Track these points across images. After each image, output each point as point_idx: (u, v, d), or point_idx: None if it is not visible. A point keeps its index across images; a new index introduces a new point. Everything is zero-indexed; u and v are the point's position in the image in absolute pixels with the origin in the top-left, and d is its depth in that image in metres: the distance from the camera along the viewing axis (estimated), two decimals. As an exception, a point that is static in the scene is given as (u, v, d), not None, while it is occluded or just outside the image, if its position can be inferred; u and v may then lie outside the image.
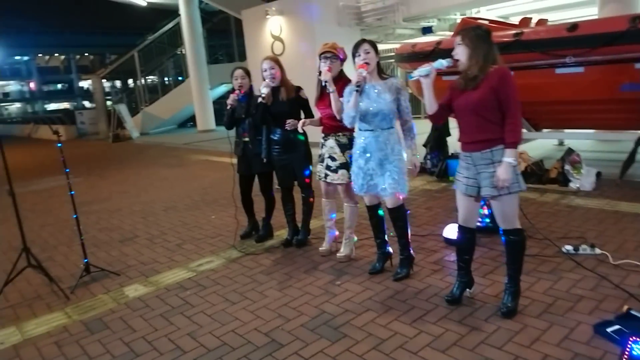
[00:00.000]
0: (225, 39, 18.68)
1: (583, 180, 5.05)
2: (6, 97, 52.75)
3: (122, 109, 15.99)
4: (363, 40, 3.15)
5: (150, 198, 6.74)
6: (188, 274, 3.83)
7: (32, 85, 52.79)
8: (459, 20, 9.30)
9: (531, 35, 5.59)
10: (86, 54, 54.24)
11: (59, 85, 55.90)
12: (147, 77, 18.13)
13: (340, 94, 3.38)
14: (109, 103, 17.80)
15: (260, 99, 3.80)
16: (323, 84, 3.37)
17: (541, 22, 7.19)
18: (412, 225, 4.46)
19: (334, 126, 3.56)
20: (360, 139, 3.26)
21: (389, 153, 3.17)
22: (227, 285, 3.53)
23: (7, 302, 3.59)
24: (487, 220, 4.06)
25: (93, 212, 6.23)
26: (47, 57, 54.36)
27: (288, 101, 3.88)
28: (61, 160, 3.94)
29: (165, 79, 18.31)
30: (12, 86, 53.78)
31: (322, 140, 3.69)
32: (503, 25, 6.97)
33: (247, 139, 4.16)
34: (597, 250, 3.49)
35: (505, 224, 2.76)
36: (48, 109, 48.89)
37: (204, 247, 4.45)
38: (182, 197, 6.62)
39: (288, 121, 3.76)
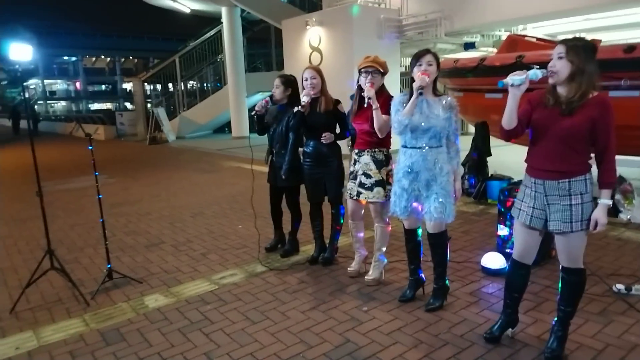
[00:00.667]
0: (265, 48, 18.85)
1: (635, 211, 4.69)
2: (53, 95, 54.89)
3: (161, 112, 16.25)
4: (427, 51, 2.92)
5: (180, 203, 6.71)
6: (210, 286, 3.71)
7: (77, 84, 54.84)
8: (503, 37, 9.02)
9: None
10: (131, 57, 56.06)
11: (103, 86, 57.90)
12: (186, 82, 18.41)
13: (383, 110, 3.22)
14: (148, 106, 18.13)
15: (300, 108, 3.68)
16: (367, 99, 3.19)
17: (594, 42, 6.83)
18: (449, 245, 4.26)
19: (369, 141, 3.39)
20: (405, 157, 3.02)
21: (437, 174, 2.94)
22: (248, 302, 3.38)
23: (27, 304, 3.54)
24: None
25: (123, 214, 6.23)
26: (93, 59, 56.47)
27: (326, 113, 3.74)
28: (92, 163, 3.79)
29: (204, 84, 18.56)
30: (59, 85, 56.03)
31: (355, 157, 3.51)
32: (550, 44, 6.65)
33: (274, 150, 4.06)
34: (653, 292, 3.17)
35: (568, 262, 2.46)
36: (92, 109, 50.61)
37: (228, 258, 4.33)
38: (211, 203, 6.55)
39: (324, 134, 3.64)
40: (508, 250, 3.78)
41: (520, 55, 5.74)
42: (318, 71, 3.76)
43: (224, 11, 15.33)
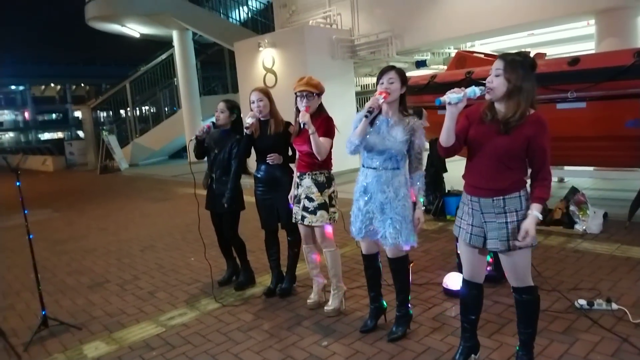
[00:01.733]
0: (219, 71, 18.62)
1: (590, 222, 4.73)
2: (0, 126, 52.50)
3: (112, 139, 15.66)
4: (390, 68, 2.77)
5: (130, 236, 6.34)
6: (157, 329, 3.41)
7: (26, 114, 52.67)
8: (453, 54, 9.17)
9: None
10: (82, 84, 54.45)
11: (54, 115, 55.86)
12: (139, 108, 17.92)
13: (321, 131, 3.12)
14: (101, 133, 17.48)
15: (245, 130, 3.51)
16: (301, 126, 3.08)
17: (539, 56, 7.01)
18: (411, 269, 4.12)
19: (310, 164, 3.25)
20: (362, 177, 2.89)
21: (391, 197, 2.79)
22: (198, 345, 3.11)
23: (-53, 363, 3.15)
24: (490, 267, 3.70)
25: (66, 251, 5.80)
26: (42, 87, 54.48)
27: (276, 135, 3.57)
28: (20, 201, 3.46)
29: (158, 109, 18.10)
30: (7, 115, 53.62)
31: (297, 180, 3.36)
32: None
33: (214, 175, 3.87)
34: (614, 306, 3.13)
35: (516, 281, 2.39)
36: (42, 139, 48.59)
37: (178, 295, 4.04)
38: (162, 235, 6.22)
39: (270, 155, 3.48)
40: (488, 269, 3.67)
41: (469, 71, 5.79)
42: (265, 93, 3.60)
43: (175, 35, 15.06)
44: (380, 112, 2.80)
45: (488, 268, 3.66)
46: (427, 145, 6.66)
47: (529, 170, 2.33)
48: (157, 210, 8.13)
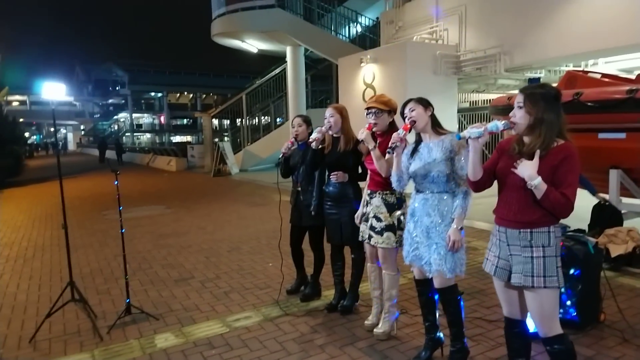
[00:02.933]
0: (328, 85, 19.17)
1: None
2: (139, 127, 59.32)
3: (226, 146, 16.90)
4: (408, 100, 2.86)
5: (223, 236, 6.79)
6: (222, 328, 3.62)
7: (162, 118, 58.93)
8: (568, 72, 8.44)
9: (649, 92, 4.77)
10: (211, 94, 59.50)
11: (185, 120, 61.75)
12: (252, 118, 19.11)
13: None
14: (216, 140, 18.97)
15: (311, 145, 3.61)
16: (360, 141, 3.09)
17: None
18: (481, 305, 3.89)
19: (380, 182, 3.21)
20: (412, 200, 2.90)
21: (437, 222, 2.72)
22: (254, 350, 3.24)
23: (49, 333, 3.65)
24: (574, 311, 3.33)
25: (166, 246, 6.39)
26: (177, 95, 60.57)
27: (345, 152, 3.62)
28: (117, 198, 3.90)
29: (268, 119, 19.16)
30: (145, 119, 60.52)
31: (368, 198, 3.34)
32: (616, 79, 6.12)
33: (299, 189, 3.98)
34: None
35: (542, 328, 2.20)
36: (174, 141, 53.94)
37: (249, 298, 4.24)
38: (251, 238, 6.56)
39: (333, 173, 3.53)
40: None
41: (578, 92, 5.30)
42: (338, 109, 3.66)
43: (288, 50, 15.87)
44: (421, 140, 2.85)
45: (571, 309, 3.33)
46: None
47: None
48: (253, 214, 8.60)
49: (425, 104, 2.82)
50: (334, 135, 3.67)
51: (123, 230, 3.96)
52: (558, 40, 8.17)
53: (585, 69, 8.62)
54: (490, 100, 9.67)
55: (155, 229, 7.55)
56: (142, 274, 5.10)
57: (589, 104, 5.04)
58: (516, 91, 9.97)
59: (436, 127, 2.84)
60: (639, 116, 4.67)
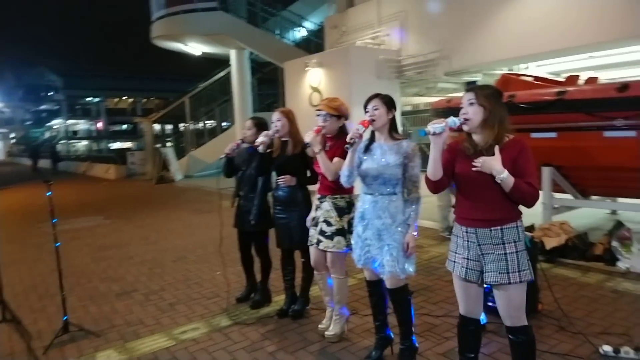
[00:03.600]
0: (274, 89, 19.11)
1: (634, 260, 4.36)
2: (75, 135, 56.48)
3: (169, 151, 16.42)
4: (374, 96, 2.84)
5: (167, 246, 6.57)
6: (168, 342, 3.49)
7: (99, 125, 56.41)
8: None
9: (576, 94, 5.11)
10: (152, 98, 57.61)
11: (124, 126, 59.43)
12: (196, 122, 18.69)
13: (337, 153, 3.11)
14: (158, 146, 18.38)
15: (258, 149, 3.57)
16: (305, 143, 3.08)
17: (591, 80, 6.65)
18: (428, 302, 3.99)
19: (331, 187, 3.21)
20: (361, 203, 2.90)
21: (388, 223, 2.75)
22: (202, 362, 3.15)
23: (-24, 358, 3.38)
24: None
25: (106, 258, 6.10)
26: (116, 100, 58.21)
27: (293, 156, 3.60)
28: (50, 210, 3.68)
29: (213, 124, 18.81)
30: (82, 125, 57.70)
31: (318, 202, 3.33)
32: (547, 82, 6.49)
33: (241, 193, 3.93)
34: (644, 356, 2.85)
35: (510, 320, 2.27)
36: (112, 148, 51.76)
37: (196, 309, 4.12)
38: (197, 246, 6.39)
39: (281, 177, 3.51)
40: (490, 304, 3.49)
41: (512, 94, 5.57)
42: (285, 113, 3.64)
43: (232, 53, 15.67)
44: (374, 139, 2.85)
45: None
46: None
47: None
48: (199, 221, 8.38)
49: (389, 106, 2.80)
50: (282, 139, 3.65)
51: (58, 244, 3.73)
52: (493, 45, 8.57)
53: (519, 72, 9.10)
54: (431, 103, 9.98)
55: (94, 241, 7.20)
56: (80, 289, 4.84)
57: (523, 105, 5.31)
58: (455, 94, 10.38)
59: (393, 131, 2.83)
60: (570, 117, 4.97)
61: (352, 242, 2.93)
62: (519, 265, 2.20)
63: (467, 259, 2.31)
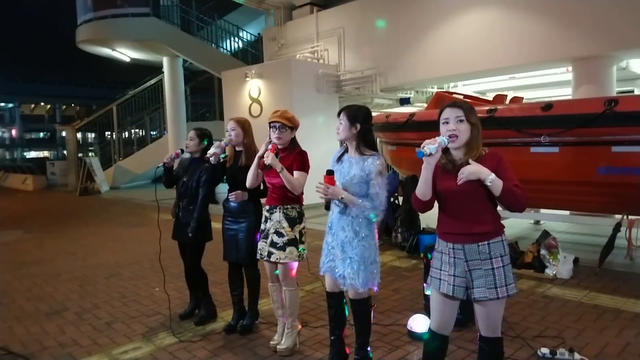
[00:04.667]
0: (209, 98, 18.76)
1: (560, 267, 4.71)
2: (-16, 142, 51.92)
3: (94, 161, 15.53)
4: (341, 109, 2.86)
5: (98, 262, 6.17)
6: (108, 363, 3.27)
7: (13, 132, 52.22)
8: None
9: (505, 112, 5.46)
10: (72, 105, 54.26)
11: (42, 134, 55.43)
12: (124, 131, 17.86)
13: (296, 165, 3.12)
14: (81, 155, 17.32)
15: (210, 159, 3.49)
16: (266, 165, 3.03)
17: (516, 99, 7.16)
18: (375, 311, 4.00)
19: (282, 197, 3.19)
20: (331, 211, 2.90)
21: (350, 237, 2.76)
22: (148, 383, 2.98)
23: None
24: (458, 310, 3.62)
25: (30, 275, 5.62)
26: (32, 106, 54.21)
27: (245, 167, 3.52)
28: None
29: (143, 133, 18.07)
30: (-7, 132, 53.15)
31: (267, 214, 3.29)
32: (477, 100, 6.90)
33: (181, 204, 3.84)
34: (577, 356, 3.07)
35: (487, 331, 2.31)
36: (28, 157, 48.00)
37: (136, 327, 3.89)
38: (131, 262, 6.07)
39: (233, 193, 3.45)
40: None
41: (447, 111, 5.85)
42: (240, 123, 3.58)
43: (165, 61, 15.20)
44: (347, 150, 2.88)
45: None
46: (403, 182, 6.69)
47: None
48: (131, 235, 7.97)
49: (352, 119, 2.78)
50: (237, 149, 3.59)
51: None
52: (425, 64, 9.01)
53: (450, 90, 9.62)
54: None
55: (14, 258, 6.62)
56: (3, 310, 4.42)
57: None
58: (391, 109, 10.74)
59: (361, 145, 2.79)
60: (500, 133, 5.30)
61: (322, 248, 2.93)
62: (506, 279, 2.22)
63: (454, 275, 2.29)
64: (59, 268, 5.93)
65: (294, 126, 3.23)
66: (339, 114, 2.85)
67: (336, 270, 2.80)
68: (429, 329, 2.46)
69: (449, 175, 2.28)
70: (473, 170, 2.13)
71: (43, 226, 9.21)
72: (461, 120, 2.23)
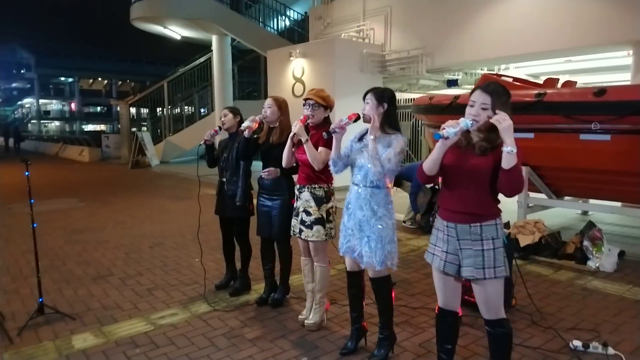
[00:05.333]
0: (256, 77, 18.95)
1: (604, 259, 4.52)
2: (47, 115, 54.85)
3: (145, 136, 16.14)
4: (370, 90, 2.85)
5: (143, 231, 6.48)
6: (146, 327, 3.47)
7: (73, 105, 54.90)
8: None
9: (555, 97, 5.23)
10: (128, 81, 56.25)
11: (99, 108, 57.99)
12: (174, 107, 18.39)
13: (322, 142, 3.13)
14: (134, 129, 18.04)
15: (244, 133, 3.58)
16: (292, 134, 3.09)
17: (569, 83, 6.82)
18: (405, 294, 4.06)
19: (309, 176, 3.23)
20: (349, 192, 2.92)
21: (368, 216, 2.78)
22: (181, 347, 3.14)
23: (-54, 339, 3.29)
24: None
25: (81, 241, 5.99)
26: (90, 81, 56.66)
27: (277, 145, 3.59)
28: (27, 190, 3.60)
29: (192, 110, 18.55)
30: (54, 105, 56.05)
31: (297, 192, 3.35)
32: (526, 84, 6.63)
33: (224, 179, 3.93)
34: (611, 351, 2.97)
35: (488, 313, 2.33)
36: (86, 130, 50.44)
37: (174, 295, 4.09)
38: (174, 233, 6.33)
39: (265, 170, 3.51)
40: (465, 297, 3.57)
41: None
42: (277, 101, 3.64)
43: (214, 39, 15.44)
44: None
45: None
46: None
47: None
48: (176, 208, 8.29)
49: (379, 99, 2.77)
50: (271, 126, 3.65)
51: (35, 225, 3.64)
52: (474, 45, 8.70)
53: (499, 73, 9.27)
54: (413, 99, 10.07)
55: (68, 224, 7.05)
56: (54, 272, 4.75)
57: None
58: (437, 91, 10.50)
59: (385, 125, 2.79)
60: (548, 119, 5.10)
61: (339, 230, 2.96)
62: (495, 262, 2.24)
63: (446, 252, 2.34)
64: (108, 236, 6.28)
65: (327, 105, 3.25)
66: (364, 96, 2.84)
67: (354, 250, 2.83)
68: (438, 306, 2.51)
69: (457, 150, 2.28)
70: (508, 129, 2.05)
71: (96, 196, 9.73)
72: (485, 109, 2.19)
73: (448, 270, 2.35)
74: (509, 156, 2.08)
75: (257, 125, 3.56)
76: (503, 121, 2.07)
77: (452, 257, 2.33)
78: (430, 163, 2.30)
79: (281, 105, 3.65)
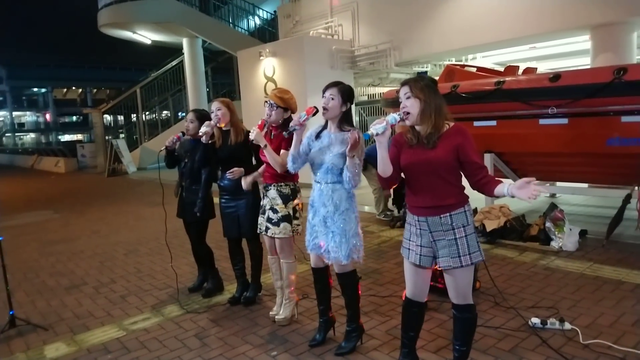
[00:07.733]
0: (229, 78, 18.89)
1: (565, 239, 4.68)
2: (21, 127, 53.79)
3: (120, 143, 16.00)
4: (334, 84, 2.83)
5: (119, 239, 6.47)
6: (118, 332, 3.50)
7: (47, 116, 53.88)
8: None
9: (513, 84, 5.38)
10: (102, 88, 55.38)
11: (74, 117, 57.00)
12: (148, 113, 18.23)
13: (284, 145, 3.17)
14: (108, 137, 17.84)
15: (201, 139, 3.62)
16: (251, 138, 3.12)
17: (528, 70, 7.00)
18: (375, 284, 4.16)
19: (275, 175, 3.28)
20: (312, 190, 2.98)
21: (331, 211, 2.85)
22: (153, 350, 3.19)
23: None
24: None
25: (55, 253, 5.96)
26: (64, 90, 55.66)
27: (237, 145, 3.65)
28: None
29: (167, 114, 18.42)
30: (28, 117, 54.96)
31: (264, 191, 3.41)
32: (488, 72, 6.78)
33: (183, 184, 4.01)
34: (567, 325, 3.11)
35: (457, 299, 2.41)
36: (62, 140, 49.57)
37: (147, 300, 4.13)
38: (149, 239, 6.34)
39: (231, 170, 3.56)
40: (432, 283, 3.68)
41: (455, 85, 5.80)
42: (224, 103, 3.70)
43: (185, 42, 15.39)
44: (325, 127, 2.89)
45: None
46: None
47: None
48: (152, 214, 8.26)
49: (345, 98, 2.80)
50: (224, 128, 3.69)
51: (1, 238, 3.63)
52: (440, 36, 8.83)
53: (463, 63, 9.42)
54: (382, 93, 10.19)
55: (42, 236, 7.00)
56: (27, 284, 4.74)
57: (464, 95, 5.55)
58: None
59: (344, 123, 2.83)
60: (508, 106, 5.24)
61: (306, 227, 3.02)
62: (469, 248, 2.30)
63: (421, 246, 2.40)
64: (83, 245, 6.26)
65: (287, 107, 3.28)
66: (326, 89, 2.82)
67: (321, 247, 2.90)
68: (405, 297, 2.57)
69: (412, 149, 2.35)
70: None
71: (71, 206, 9.64)
72: (408, 97, 2.31)
73: (424, 264, 2.40)
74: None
75: (212, 131, 3.60)
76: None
77: (426, 250, 2.39)
78: (380, 165, 2.35)
79: (229, 106, 3.72)
